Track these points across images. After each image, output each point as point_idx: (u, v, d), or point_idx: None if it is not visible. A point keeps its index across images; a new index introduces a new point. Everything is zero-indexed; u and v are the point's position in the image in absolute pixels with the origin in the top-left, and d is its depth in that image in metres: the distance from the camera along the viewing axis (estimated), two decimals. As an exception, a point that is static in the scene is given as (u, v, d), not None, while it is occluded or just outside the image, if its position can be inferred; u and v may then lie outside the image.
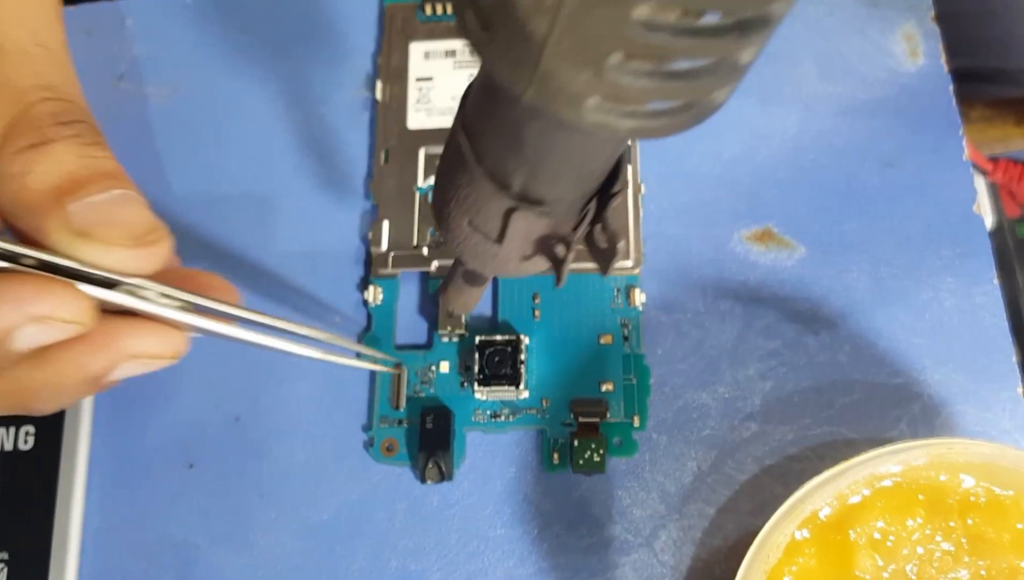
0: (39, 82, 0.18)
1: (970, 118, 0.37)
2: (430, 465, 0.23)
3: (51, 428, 0.24)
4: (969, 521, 0.20)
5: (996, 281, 0.24)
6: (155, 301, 0.17)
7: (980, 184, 0.37)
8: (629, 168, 0.26)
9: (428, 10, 0.28)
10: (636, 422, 0.24)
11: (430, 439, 0.23)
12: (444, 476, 0.23)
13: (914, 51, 0.26)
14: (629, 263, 0.25)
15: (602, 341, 0.24)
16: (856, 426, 0.23)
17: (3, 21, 0.18)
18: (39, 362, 0.16)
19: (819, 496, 0.19)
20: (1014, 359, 0.23)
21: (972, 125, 0.37)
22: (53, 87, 0.18)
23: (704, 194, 0.25)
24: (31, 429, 0.25)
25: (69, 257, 0.16)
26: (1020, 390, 0.23)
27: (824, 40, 0.26)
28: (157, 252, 0.17)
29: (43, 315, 0.16)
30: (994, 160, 0.36)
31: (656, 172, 0.26)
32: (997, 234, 0.37)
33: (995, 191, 0.37)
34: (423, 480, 0.23)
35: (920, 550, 0.20)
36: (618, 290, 0.25)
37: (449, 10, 0.28)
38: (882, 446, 0.20)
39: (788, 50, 0.26)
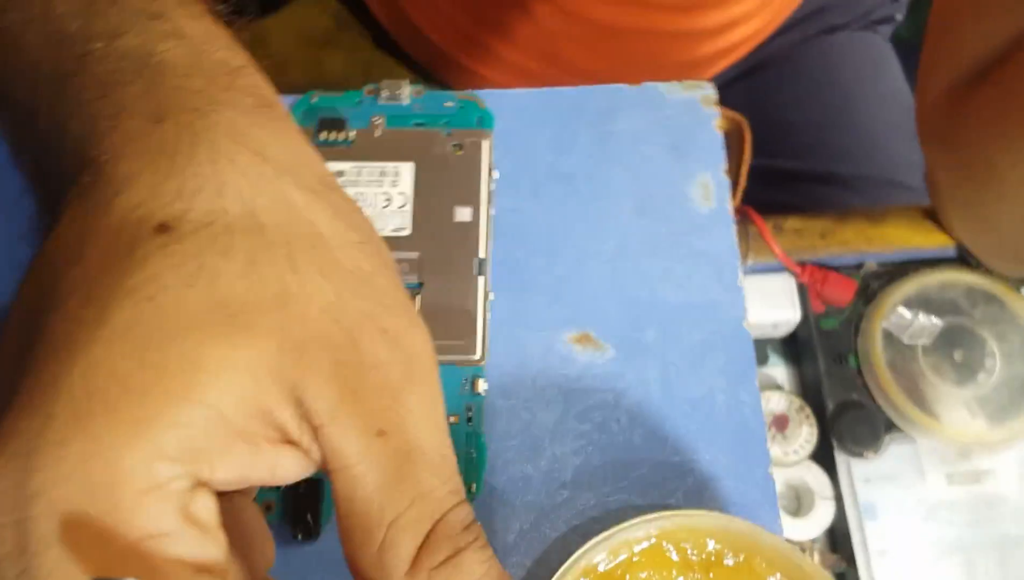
0: (452, 487, 0.18)
1: (783, 228, 0.45)
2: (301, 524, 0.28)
3: None
4: (711, 576, 0.26)
5: (755, 383, 0.31)
6: None
7: (791, 283, 0.44)
8: (481, 279, 0.32)
9: (323, 136, 0.33)
10: (473, 488, 0.29)
11: (302, 501, 0.28)
12: (312, 533, 0.28)
13: (707, 196, 0.33)
14: (476, 356, 0.31)
15: (450, 420, 0.30)
16: (644, 494, 0.29)
17: (419, 425, 0.18)
18: None
19: (596, 552, 0.25)
20: (766, 446, 0.30)
21: (785, 234, 0.45)
22: (459, 490, 0.18)
23: (539, 302, 0.32)
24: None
25: None
26: (770, 470, 0.30)
27: (639, 182, 0.33)
28: None
29: None
30: (802, 264, 0.44)
31: (502, 282, 0.32)
32: (804, 326, 0.44)
33: (803, 290, 0.44)
34: (295, 536, 0.28)
35: (674, 595, 0.26)
36: (466, 379, 0.31)
37: (340, 137, 0.33)
38: (651, 513, 0.26)
39: (611, 188, 0.33)
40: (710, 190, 0.33)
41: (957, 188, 0.41)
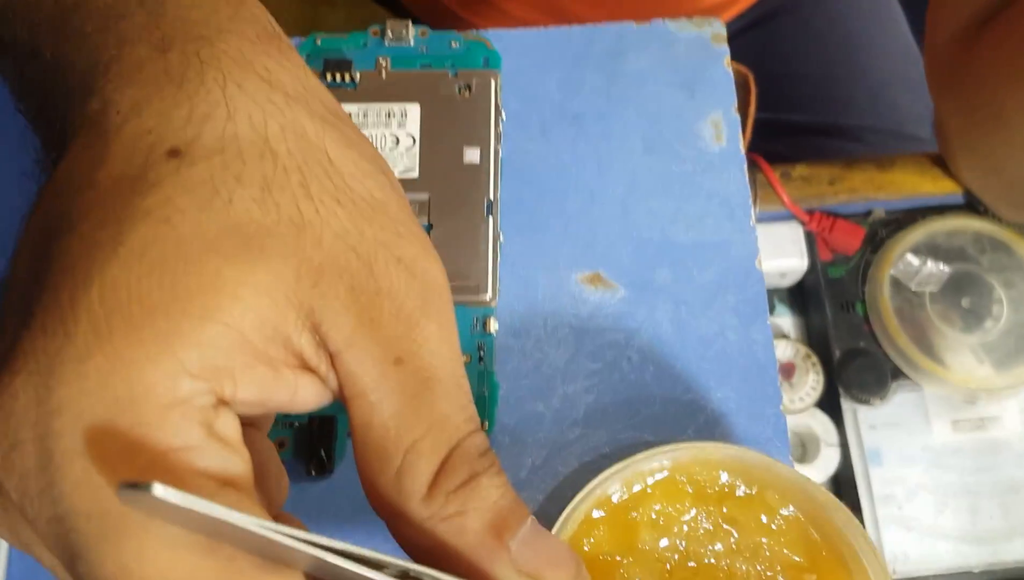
0: (468, 414, 0.18)
1: (792, 176, 0.45)
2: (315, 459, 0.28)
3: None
4: (724, 510, 0.26)
5: (767, 322, 0.31)
6: None
7: (798, 231, 0.44)
8: (491, 220, 0.31)
9: (328, 78, 0.33)
10: (485, 427, 0.29)
11: (316, 438, 0.28)
12: (326, 469, 0.28)
13: (719, 135, 0.33)
14: (487, 297, 0.31)
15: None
16: (655, 431, 0.29)
17: (435, 353, 0.18)
18: None
19: (610, 484, 0.26)
20: (777, 384, 0.30)
21: (793, 182, 0.44)
22: (475, 417, 0.18)
23: (549, 242, 0.31)
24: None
25: None
26: (781, 408, 0.30)
27: (648, 122, 0.33)
28: None
29: None
30: (810, 212, 0.44)
31: (512, 224, 0.32)
32: (811, 274, 0.44)
33: (811, 238, 0.44)
34: (308, 472, 0.28)
35: (686, 528, 0.26)
36: (477, 319, 0.31)
37: (345, 78, 0.33)
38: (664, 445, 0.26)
39: (620, 128, 0.33)
40: (721, 128, 0.32)
41: (965, 133, 0.40)
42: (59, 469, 0.15)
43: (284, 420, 0.29)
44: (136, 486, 0.13)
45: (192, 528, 0.15)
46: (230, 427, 0.17)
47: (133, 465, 0.15)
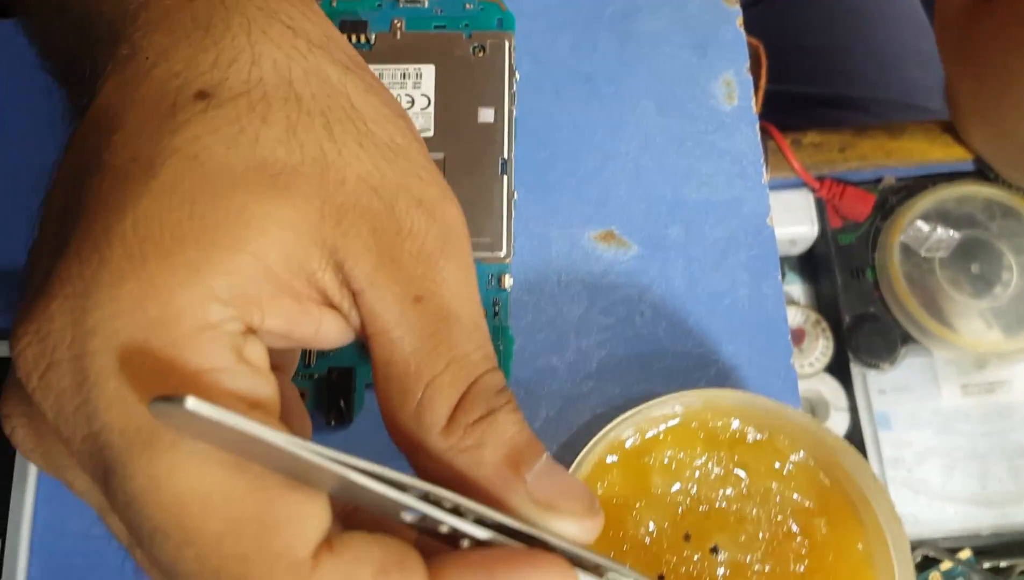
0: (486, 353, 0.18)
1: (802, 143, 0.45)
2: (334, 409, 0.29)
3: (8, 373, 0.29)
4: (735, 456, 0.27)
5: (779, 278, 0.31)
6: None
7: (809, 198, 0.44)
8: (505, 178, 0.32)
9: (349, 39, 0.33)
10: (500, 379, 0.30)
11: (335, 388, 0.29)
12: (345, 419, 0.29)
13: (731, 95, 0.33)
14: (502, 253, 0.31)
15: (477, 315, 0.31)
16: (667, 385, 0.30)
17: (454, 293, 0.18)
18: None
19: (623, 429, 0.26)
20: (788, 338, 0.30)
21: (803, 149, 0.45)
22: (492, 356, 0.19)
23: (562, 201, 0.32)
24: (-5, 376, 0.29)
25: (540, 528, 0.17)
26: (791, 361, 0.30)
27: (661, 82, 0.33)
28: (601, 519, 0.18)
29: None
30: (821, 179, 0.44)
31: (526, 183, 0.32)
32: (821, 241, 0.45)
33: (821, 205, 0.44)
34: (328, 422, 0.29)
35: (698, 474, 0.27)
36: (492, 275, 0.31)
37: (361, 38, 0.33)
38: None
39: (633, 89, 0.33)
40: (733, 88, 0.33)
41: (975, 98, 0.41)
42: (94, 387, 0.16)
43: (303, 372, 0.29)
44: (169, 399, 0.14)
45: (221, 446, 0.16)
46: (258, 353, 0.17)
47: (165, 384, 0.16)
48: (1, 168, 0.33)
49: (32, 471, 0.28)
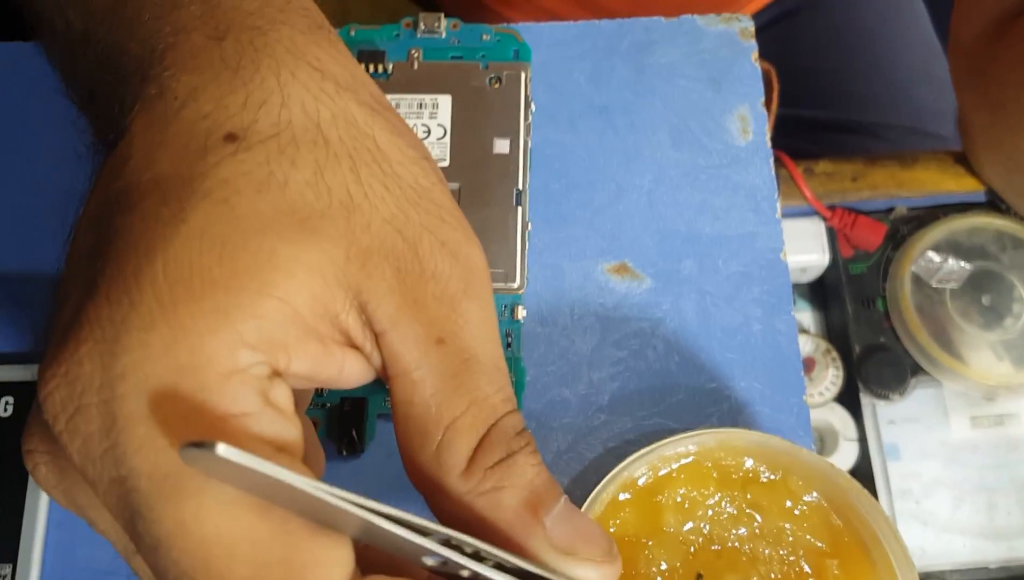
0: (506, 395, 0.19)
1: (814, 172, 0.45)
2: (346, 439, 0.29)
3: (30, 397, 0.29)
4: (748, 495, 0.27)
5: (792, 313, 0.31)
6: None
7: (820, 227, 0.44)
8: (520, 209, 0.32)
9: (367, 69, 0.34)
10: (512, 411, 0.30)
11: (347, 419, 0.29)
12: (357, 449, 0.29)
13: (745, 129, 0.33)
14: (515, 284, 0.31)
15: (489, 346, 0.31)
16: (679, 419, 0.30)
17: (475, 335, 0.19)
18: None
19: (637, 467, 0.26)
20: (801, 374, 0.30)
21: (815, 177, 0.45)
22: (512, 398, 0.19)
23: (576, 233, 0.32)
24: (10, 399, 0.29)
25: (559, 574, 0.17)
26: (804, 398, 0.30)
27: (676, 116, 0.33)
28: (619, 565, 0.18)
29: None
30: (832, 208, 0.44)
31: (540, 214, 0.32)
32: (832, 270, 0.45)
33: (833, 234, 0.44)
34: (340, 452, 0.29)
35: (711, 513, 0.27)
36: (505, 306, 0.31)
37: (378, 68, 0.34)
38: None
39: (648, 122, 0.33)
40: (748, 123, 0.33)
41: (989, 129, 0.41)
42: (123, 431, 0.16)
43: (316, 401, 0.30)
44: (201, 445, 0.14)
45: (247, 489, 0.16)
46: (284, 396, 0.17)
47: (193, 429, 0.16)
48: (27, 183, 0.33)
49: (43, 497, 0.28)
